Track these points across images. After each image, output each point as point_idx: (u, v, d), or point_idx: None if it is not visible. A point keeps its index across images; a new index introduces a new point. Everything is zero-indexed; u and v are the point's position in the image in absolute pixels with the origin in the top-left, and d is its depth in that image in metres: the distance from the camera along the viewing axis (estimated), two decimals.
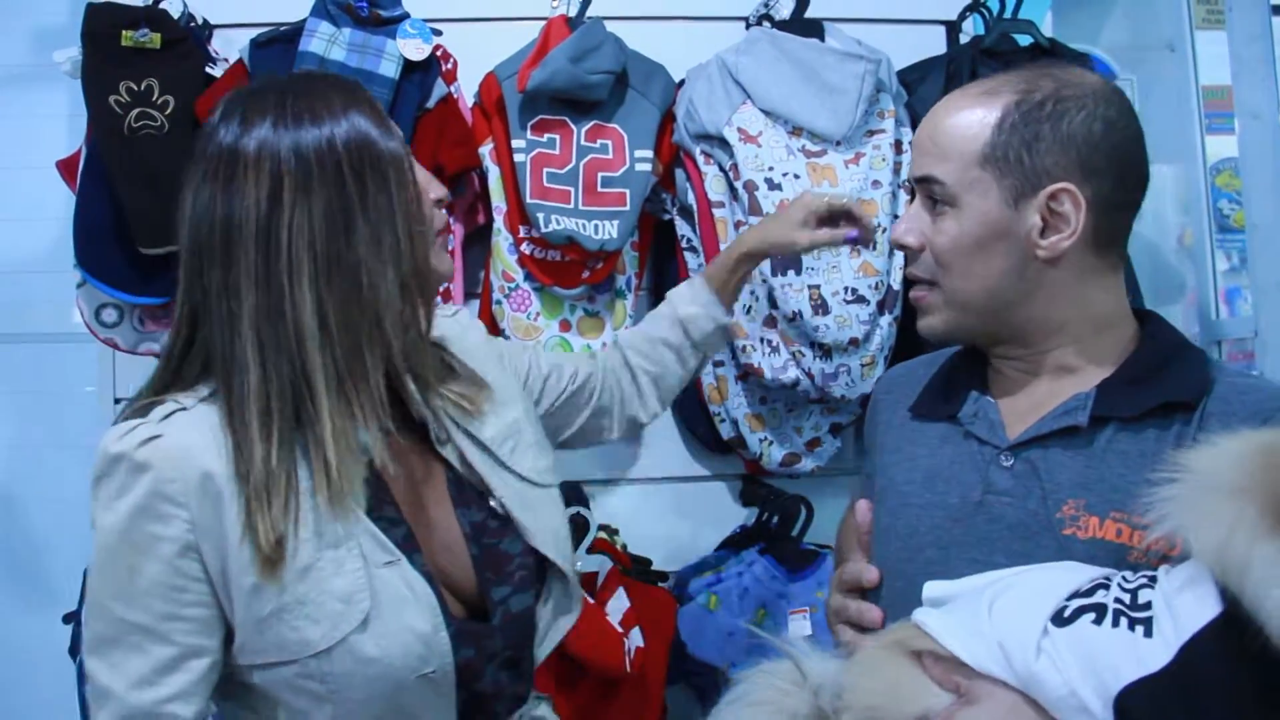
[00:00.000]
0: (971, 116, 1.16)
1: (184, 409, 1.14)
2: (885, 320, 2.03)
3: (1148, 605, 0.90)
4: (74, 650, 2.00)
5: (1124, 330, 1.20)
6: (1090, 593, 0.94)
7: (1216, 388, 1.12)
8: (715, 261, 1.65)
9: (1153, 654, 0.87)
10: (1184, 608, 0.88)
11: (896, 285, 2.03)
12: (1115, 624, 0.90)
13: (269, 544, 1.09)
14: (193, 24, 2.07)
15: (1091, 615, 0.91)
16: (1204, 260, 2.61)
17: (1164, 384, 1.13)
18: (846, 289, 1.99)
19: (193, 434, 1.11)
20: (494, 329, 2.06)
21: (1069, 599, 0.94)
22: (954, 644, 0.98)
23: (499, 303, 2.04)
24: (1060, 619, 0.92)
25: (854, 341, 1.99)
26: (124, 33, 1.94)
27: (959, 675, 0.98)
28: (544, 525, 1.31)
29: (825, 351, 2.00)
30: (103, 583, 1.11)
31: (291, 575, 1.11)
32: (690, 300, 1.61)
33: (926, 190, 1.20)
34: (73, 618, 2.01)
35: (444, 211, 1.31)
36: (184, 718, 1.10)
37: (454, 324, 1.41)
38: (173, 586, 1.10)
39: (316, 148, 1.14)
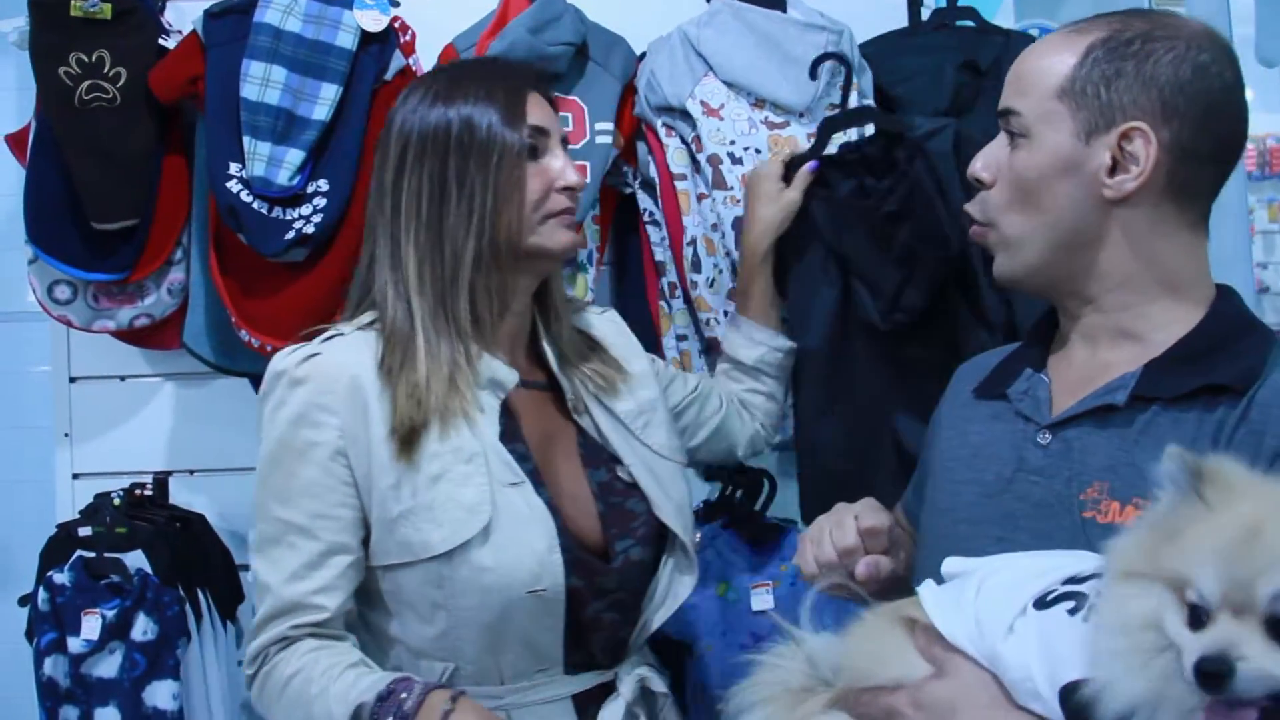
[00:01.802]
0: (1055, 49, 1.15)
1: (342, 334, 1.36)
2: None
3: None
4: (29, 633, 1.97)
5: (1197, 301, 1.14)
6: (1083, 580, 0.92)
7: (1274, 374, 1.06)
8: (741, 292, 1.79)
9: None
10: None
11: None
12: (1088, 617, 0.88)
13: (404, 427, 1.26)
14: None
15: (1070, 604, 0.90)
16: None
17: (1211, 366, 1.07)
18: None
19: (348, 353, 1.32)
20: None
21: (1062, 584, 0.93)
22: (935, 616, 1.00)
23: None
24: (1043, 602, 0.92)
25: None
26: (73, 2, 1.90)
27: (940, 648, 0.98)
28: (669, 496, 1.43)
29: None
30: (266, 487, 1.30)
31: (423, 480, 1.27)
32: (748, 344, 1.74)
33: (1006, 124, 1.18)
34: (28, 600, 1.98)
35: (569, 197, 1.42)
36: (328, 608, 1.26)
37: (603, 320, 1.59)
38: (324, 487, 1.28)
39: (437, 125, 1.36)
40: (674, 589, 1.43)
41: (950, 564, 1.06)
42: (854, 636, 1.06)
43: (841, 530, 1.21)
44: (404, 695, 1.18)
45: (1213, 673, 0.74)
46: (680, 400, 1.63)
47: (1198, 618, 0.77)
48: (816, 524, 1.26)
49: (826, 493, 1.49)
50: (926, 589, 1.04)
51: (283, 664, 1.26)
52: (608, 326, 1.58)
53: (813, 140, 1.85)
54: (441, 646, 1.29)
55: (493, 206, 1.34)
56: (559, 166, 1.40)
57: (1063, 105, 1.13)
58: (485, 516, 1.26)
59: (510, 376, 1.36)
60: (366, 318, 1.37)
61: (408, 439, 1.27)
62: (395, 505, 1.27)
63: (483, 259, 1.34)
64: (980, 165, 1.21)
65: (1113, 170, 1.11)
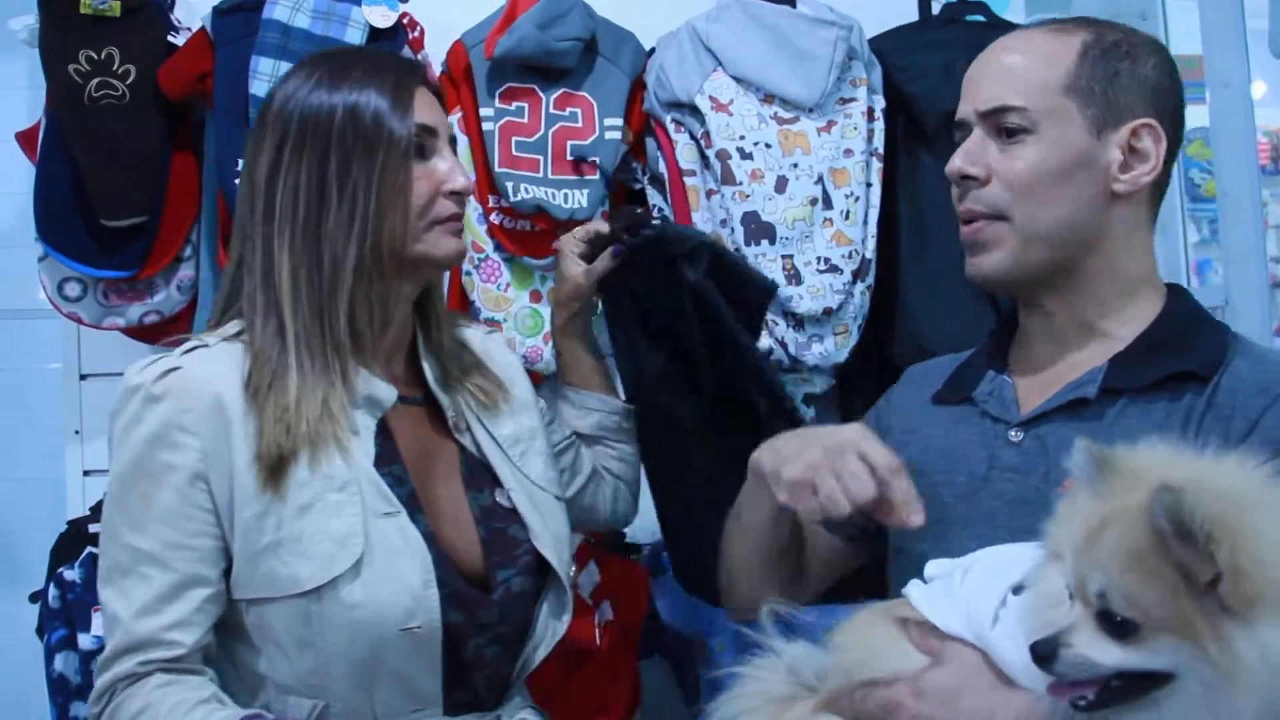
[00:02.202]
0: (1047, 47, 1.17)
1: (206, 346, 1.23)
2: (859, 289, 2.02)
3: None
4: (40, 630, 1.98)
5: (1151, 298, 1.19)
6: None
7: (1234, 361, 1.11)
8: (562, 365, 1.64)
9: None
10: None
11: (870, 254, 2.03)
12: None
13: (271, 455, 1.16)
14: None
15: None
16: (1175, 231, 2.62)
17: (1176, 355, 1.11)
18: (820, 259, 1.98)
19: (211, 368, 1.20)
20: (464, 300, 2.04)
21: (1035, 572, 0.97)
22: (927, 609, 1.03)
23: (469, 274, 2.02)
24: (1019, 590, 0.96)
25: (828, 311, 1.98)
26: (82, 0, 1.90)
27: (934, 640, 1.00)
28: (549, 529, 1.35)
29: (799, 321, 2.00)
30: (117, 512, 1.18)
31: (291, 510, 1.16)
32: (582, 414, 1.60)
33: (996, 122, 1.17)
34: (39, 596, 1.98)
35: (456, 202, 1.31)
36: (183, 644, 1.15)
37: (488, 340, 1.50)
38: (181, 514, 1.16)
39: (319, 110, 1.23)
40: (551, 626, 1.33)
41: (934, 566, 1.08)
42: (844, 636, 1.07)
43: (857, 481, 1.09)
44: None
45: (1040, 655, 0.84)
46: (559, 441, 1.53)
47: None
48: (801, 461, 1.13)
49: (692, 552, 1.53)
50: (914, 588, 1.06)
51: (129, 701, 1.14)
52: (492, 346, 1.48)
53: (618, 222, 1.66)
54: (310, 684, 1.18)
55: (376, 210, 1.22)
56: (446, 169, 1.29)
57: (1070, 101, 1.14)
58: (357, 550, 1.16)
59: (388, 395, 1.26)
60: (233, 327, 1.25)
61: (275, 468, 1.16)
62: (260, 537, 1.16)
63: (364, 267, 1.22)
64: (963, 161, 1.20)
65: (1123, 166, 1.14)
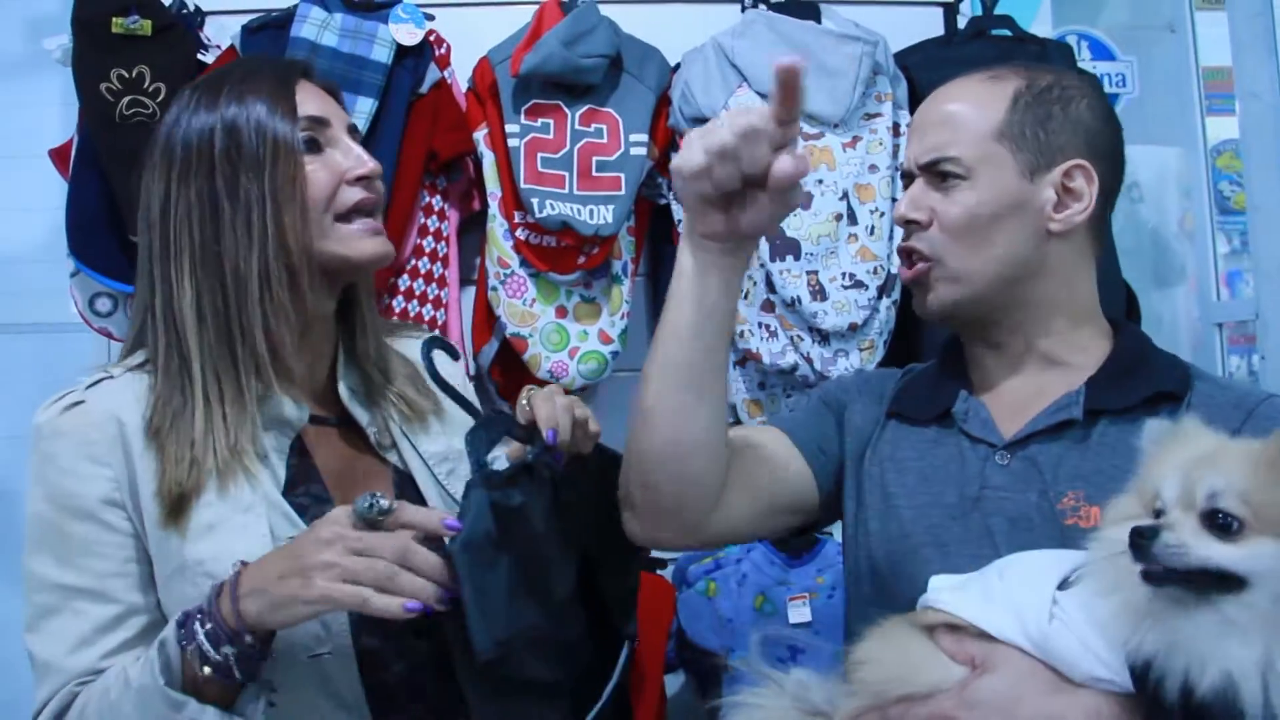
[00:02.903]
0: (981, 96, 1.20)
1: (111, 377, 1.17)
2: (884, 304, 2.02)
3: None
4: None
5: (1098, 326, 1.24)
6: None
7: (1199, 384, 1.17)
8: None
9: None
10: None
11: (895, 270, 2.02)
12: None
13: (173, 494, 1.10)
14: (184, 10, 2.05)
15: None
16: (1204, 243, 2.60)
17: (1151, 377, 1.16)
18: (845, 274, 1.98)
19: (115, 397, 1.14)
20: (490, 315, 2.05)
21: (1072, 573, 0.96)
22: (972, 613, 0.99)
23: (494, 289, 2.03)
24: (1065, 586, 0.95)
25: (853, 326, 1.98)
26: (114, 19, 1.93)
27: (973, 647, 0.97)
28: None
29: (824, 336, 2.00)
30: (38, 556, 1.11)
31: (195, 531, 1.10)
32: None
33: (934, 171, 1.20)
34: None
35: (365, 188, 1.22)
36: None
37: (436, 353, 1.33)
38: (107, 543, 1.10)
39: (199, 135, 1.16)
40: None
41: (939, 581, 1.06)
42: (867, 651, 1.03)
43: (742, 116, 0.99)
44: (198, 610, 1.03)
45: (1140, 533, 0.87)
46: None
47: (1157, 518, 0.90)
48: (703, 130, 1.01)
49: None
50: (943, 594, 1.03)
51: (74, 711, 1.07)
52: (438, 358, 1.32)
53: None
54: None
55: (273, 212, 1.15)
56: (345, 156, 1.21)
57: (1002, 147, 1.18)
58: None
59: (299, 415, 1.18)
60: (139, 357, 1.19)
61: (176, 506, 1.10)
62: (170, 560, 1.10)
63: (270, 275, 1.15)
64: (907, 207, 1.22)
65: (1057, 205, 1.18)
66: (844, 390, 1.36)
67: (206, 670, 1.01)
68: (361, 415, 1.25)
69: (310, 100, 1.21)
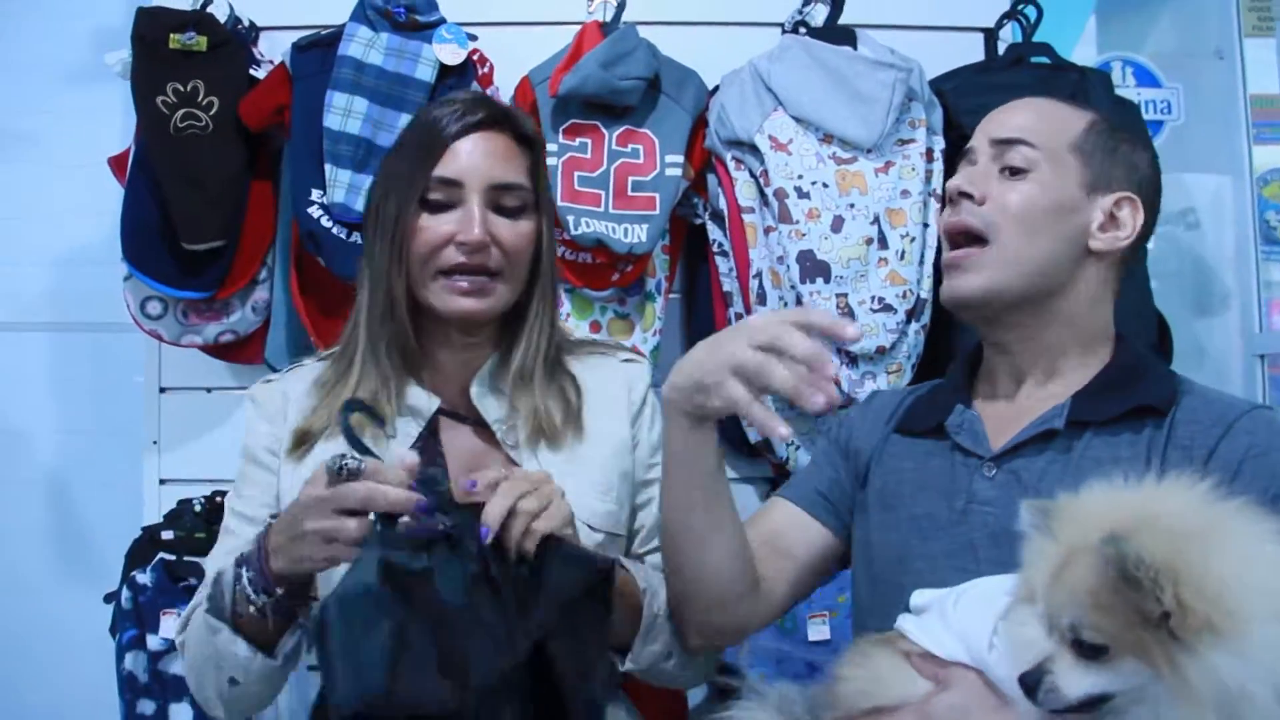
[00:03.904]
0: (1065, 112, 1.30)
1: (302, 365, 1.47)
2: (913, 329, 2.03)
3: None
4: (114, 629, 2.07)
5: (1105, 351, 1.29)
6: None
7: (1185, 399, 1.21)
8: None
9: None
10: None
11: (925, 294, 2.03)
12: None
13: (301, 430, 1.36)
14: (239, 26, 2.13)
15: None
16: (1248, 272, 2.58)
17: (1136, 391, 1.21)
18: (874, 298, 1.99)
19: (293, 376, 1.44)
20: None
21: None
22: (925, 640, 1.08)
23: None
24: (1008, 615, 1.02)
25: (880, 350, 1.99)
26: (172, 36, 2.01)
27: (937, 666, 1.06)
28: None
29: (852, 359, 2.01)
30: (231, 489, 1.41)
31: (305, 466, 1.31)
32: None
33: (1004, 156, 1.28)
34: (113, 597, 2.08)
35: (465, 253, 1.33)
36: None
37: (612, 373, 1.48)
38: (260, 481, 1.37)
39: (384, 162, 1.43)
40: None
41: (918, 596, 1.13)
42: (845, 667, 1.12)
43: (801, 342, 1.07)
44: (246, 557, 1.20)
45: (1027, 685, 0.92)
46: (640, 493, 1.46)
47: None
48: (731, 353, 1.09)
49: None
50: (908, 620, 1.12)
51: (191, 612, 1.29)
52: (610, 380, 1.46)
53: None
54: None
55: (380, 255, 1.35)
56: (457, 222, 1.33)
57: (1074, 158, 1.27)
58: None
59: (429, 404, 1.37)
60: (337, 349, 1.43)
61: (301, 439, 1.35)
62: (290, 492, 1.30)
63: (397, 300, 1.35)
64: (965, 180, 1.29)
65: (1102, 226, 1.26)
66: (845, 423, 1.44)
67: (251, 610, 1.18)
68: (490, 412, 1.39)
69: (457, 160, 1.34)
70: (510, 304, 1.39)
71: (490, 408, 1.39)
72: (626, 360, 1.52)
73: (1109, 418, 1.19)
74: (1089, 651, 0.90)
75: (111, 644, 2.09)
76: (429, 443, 1.36)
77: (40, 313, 2.62)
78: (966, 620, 1.05)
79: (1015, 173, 1.27)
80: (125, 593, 2.05)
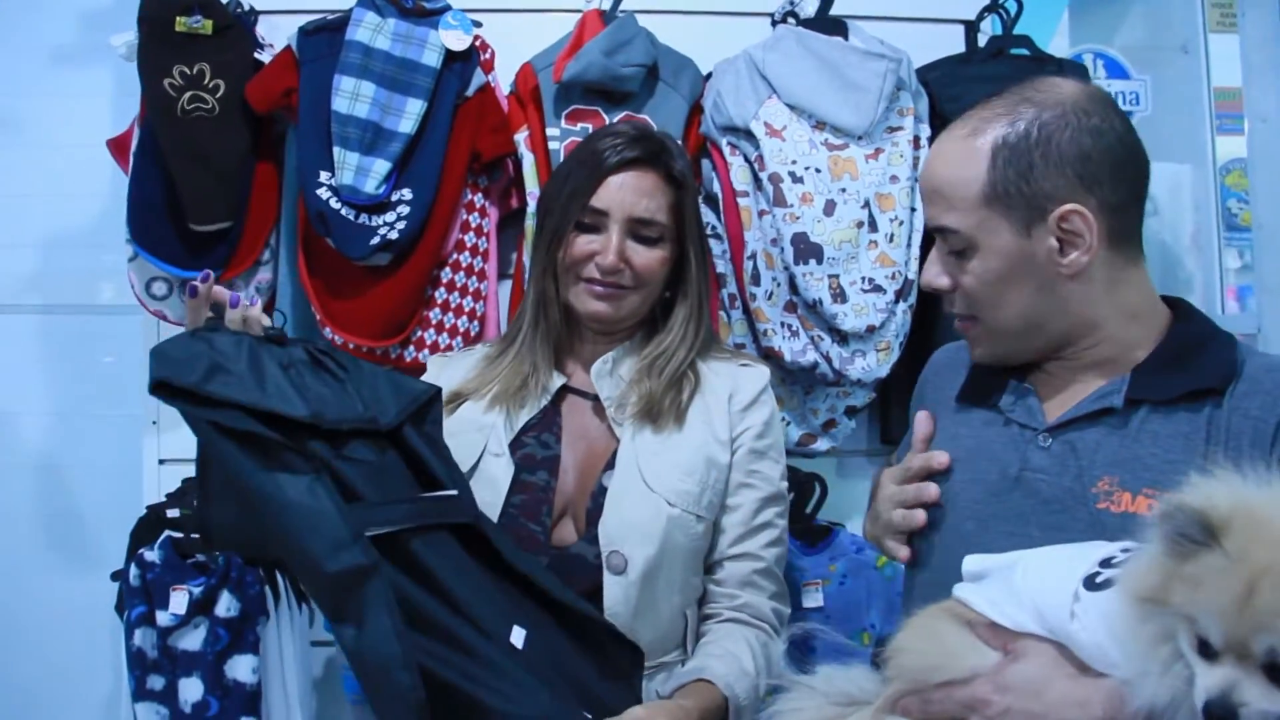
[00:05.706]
0: (961, 159, 1.21)
1: (478, 348, 1.74)
2: (901, 308, 2.11)
3: None
4: (120, 606, 2.09)
5: (1156, 317, 1.25)
6: (1114, 563, 1.00)
7: (1245, 370, 1.17)
8: None
9: None
10: None
11: (912, 275, 2.10)
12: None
13: (452, 391, 1.61)
14: (239, 10, 2.14)
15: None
16: (1211, 257, 2.68)
17: (1194, 370, 1.17)
18: (864, 279, 2.07)
19: (459, 354, 1.76)
20: None
21: (1100, 566, 1.00)
22: (990, 611, 1.07)
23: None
24: (1092, 584, 0.99)
25: (870, 328, 2.07)
26: (178, 19, 2.02)
27: (1007, 636, 1.05)
28: (622, 517, 1.51)
29: (842, 337, 2.08)
30: None
31: (452, 420, 1.56)
32: None
33: (947, 238, 1.25)
34: (120, 575, 2.10)
35: (601, 272, 1.57)
36: None
37: (731, 376, 1.65)
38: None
39: (557, 168, 1.73)
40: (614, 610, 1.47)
41: (971, 562, 1.14)
42: (904, 639, 1.11)
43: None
44: None
45: (1218, 715, 0.85)
46: (731, 495, 1.60)
47: (1206, 648, 0.88)
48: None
49: None
50: (968, 589, 1.11)
51: None
52: (721, 381, 1.63)
53: None
54: None
55: (545, 262, 1.61)
56: (599, 245, 1.57)
57: (993, 211, 1.19)
58: (468, 465, 1.52)
59: (556, 381, 1.62)
60: (496, 341, 1.75)
61: (453, 398, 1.60)
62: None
63: (550, 300, 1.62)
64: (934, 275, 1.28)
65: (1061, 250, 1.19)
66: (922, 388, 1.49)
67: None
68: (605, 390, 1.61)
69: (608, 191, 1.57)
70: (640, 312, 1.63)
71: (605, 386, 1.61)
72: (743, 365, 1.68)
73: (1167, 398, 1.17)
74: None
75: (110, 625, 2.09)
76: (549, 412, 1.60)
77: (32, 295, 2.61)
78: (1039, 592, 1.03)
79: (960, 254, 1.24)
80: (133, 570, 2.05)
